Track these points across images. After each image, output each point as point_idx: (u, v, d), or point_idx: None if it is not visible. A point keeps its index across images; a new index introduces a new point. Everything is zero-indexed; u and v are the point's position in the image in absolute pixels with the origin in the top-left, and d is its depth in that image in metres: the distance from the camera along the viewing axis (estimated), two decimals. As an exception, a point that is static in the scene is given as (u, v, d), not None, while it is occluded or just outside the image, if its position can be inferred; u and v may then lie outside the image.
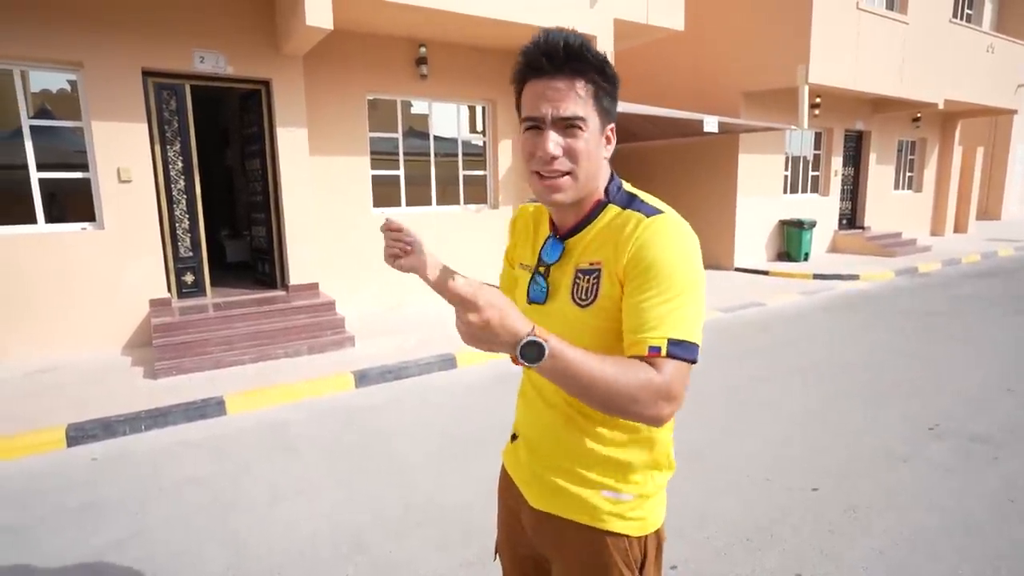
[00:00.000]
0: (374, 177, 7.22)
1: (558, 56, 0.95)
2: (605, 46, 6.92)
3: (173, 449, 3.72)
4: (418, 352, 5.34)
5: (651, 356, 0.90)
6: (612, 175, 1.09)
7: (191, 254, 6.04)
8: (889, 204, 13.76)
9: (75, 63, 5.21)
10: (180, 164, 5.83)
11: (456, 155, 7.89)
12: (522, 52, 1.00)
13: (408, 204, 7.59)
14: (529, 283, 1.13)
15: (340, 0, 5.30)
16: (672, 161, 11.35)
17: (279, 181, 6.22)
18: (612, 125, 1.05)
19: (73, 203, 5.51)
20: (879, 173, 13.29)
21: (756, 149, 10.50)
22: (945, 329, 6.36)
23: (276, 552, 2.61)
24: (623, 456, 1.08)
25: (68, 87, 5.43)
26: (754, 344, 5.90)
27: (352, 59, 6.73)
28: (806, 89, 9.44)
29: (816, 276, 9.54)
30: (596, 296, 1.01)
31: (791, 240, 11.04)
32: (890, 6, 11.22)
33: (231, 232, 9.42)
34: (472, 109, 8.00)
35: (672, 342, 0.90)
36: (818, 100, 10.65)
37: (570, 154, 0.98)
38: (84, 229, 5.47)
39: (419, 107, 7.59)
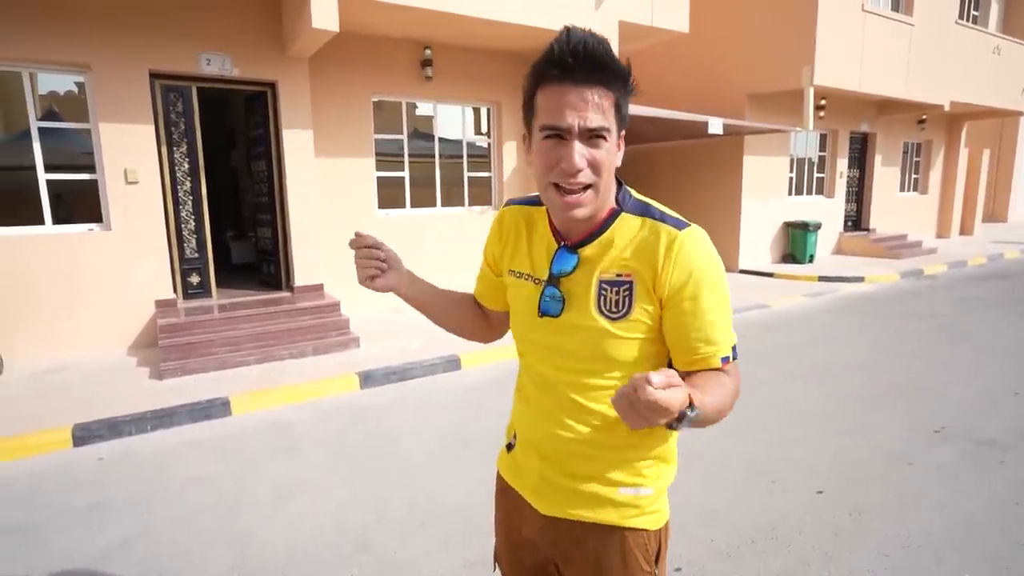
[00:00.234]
0: (379, 179, 7.24)
1: (586, 64, 0.91)
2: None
3: (178, 449, 3.74)
4: (422, 353, 5.35)
5: (724, 366, 1.00)
6: (620, 181, 1.08)
7: (197, 255, 6.07)
8: (894, 206, 13.70)
9: (83, 65, 5.25)
10: (186, 165, 5.86)
11: (461, 157, 7.91)
12: (547, 54, 0.93)
13: (413, 205, 7.61)
14: (541, 296, 1.07)
15: (346, 2, 5.32)
16: (677, 163, 11.34)
17: (284, 182, 6.25)
18: (624, 131, 1.02)
19: (80, 204, 5.54)
20: (884, 175, 13.25)
21: (761, 151, 10.48)
22: (951, 331, 6.33)
23: (281, 552, 2.62)
24: (641, 453, 1.09)
25: (76, 89, 5.47)
26: (759, 346, 5.89)
27: (357, 61, 6.76)
28: (811, 91, 9.42)
29: (821, 278, 9.51)
30: (630, 308, 1.00)
31: (796, 242, 11.01)
32: (896, 7, 11.19)
33: (236, 233, 9.46)
34: (477, 111, 8.02)
35: (734, 349, 1.02)
36: (823, 102, 10.62)
37: (593, 166, 0.95)
38: (91, 230, 5.50)
39: (424, 109, 7.61)
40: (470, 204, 8.02)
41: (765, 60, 9.79)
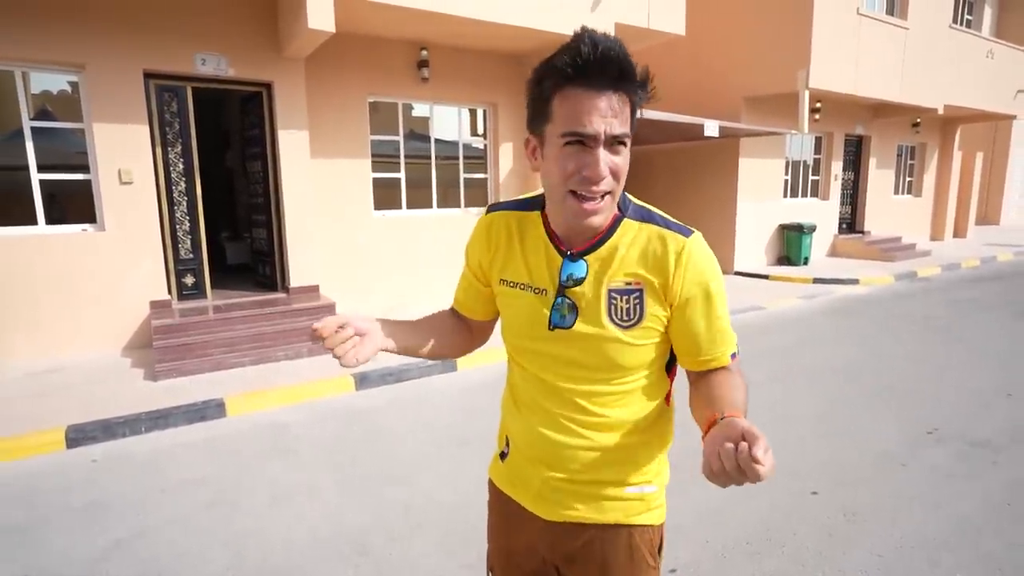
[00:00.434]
0: (375, 180, 7.23)
1: (612, 69, 0.89)
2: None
3: (173, 451, 3.72)
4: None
5: (732, 362, 1.07)
6: None
7: (192, 256, 6.05)
8: (889, 208, 13.78)
9: (77, 65, 5.22)
10: (181, 166, 5.84)
11: (457, 158, 7.91)
12: (569, 57, 0.89)
13: (409, 207, 7.60)
14: (552, 307, 1.04)
15: (342, 3, 5.32)
16: (673, 165, 11.37)
17: (280, 183, 6.24)
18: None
19: (74, 204, 5.52)
20: (879, 178, 13.32)
21: (757, 153, 10.52)
22: (944, 333, 6.36)
23: (276, 553, 2.62)
24: (645, 451, 1.11)
25: (69, 88, 5.44)
26: (754, 348, 5.90)
27: (354, 62, 6.75)
28: (806, 94, 9.47)
29: (816, 280, 9.54)
30: (641, 316, 1.01)
31: (791, 244, 11.05)
32: (890, 11, 11.26)
33: (232, 234, 9.43)
34: (473, 112, 8.02)
35: (736, 345, 1.08)
36: (818, 105, 10.67)
37: (614, 173, 0.94)
38: (85, 231, 5.48)
39: (420, 110, 7.61)
40: (466, 205, 8.02)
41: (761, 63, 9.83)
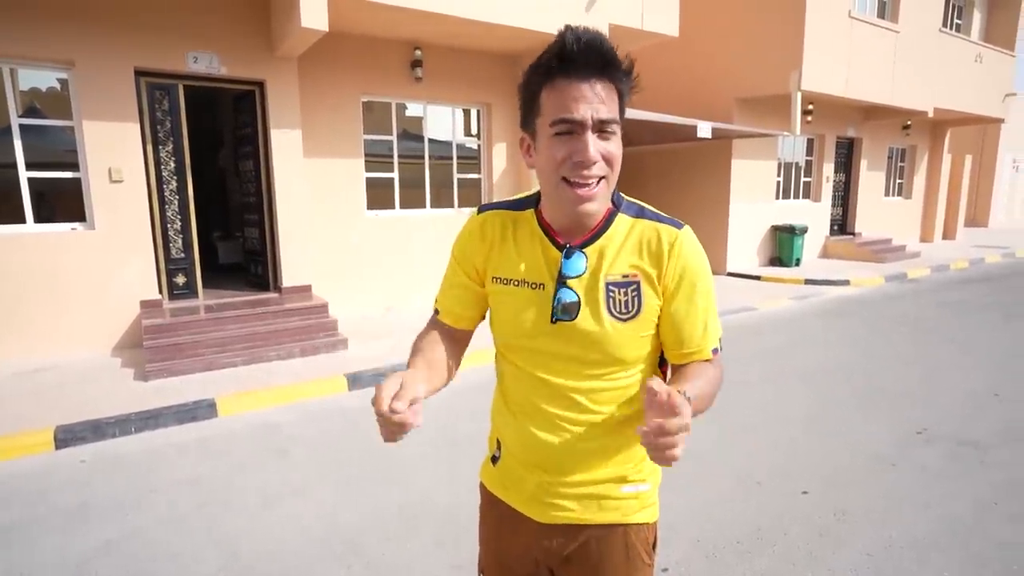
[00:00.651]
0: (368, 179, 7.21)
1: (594, 58, 0.92)
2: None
3: (164, 451, 3.69)
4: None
5: (713, 357, 1.07)
6: None
7: (183, 255, 6.01)
8: (880, 210, 13.89)
9: (66, 62, 5.18)
10: (172, 165, 5.80)
11: (450, 158, 7.90)
12: (553, 51, 0.93)
13: (402, 206, 7.59)
14: (554, 300, 1.03)
15: (335, 2, 5.30)
16: (666, 166, 11.41)
17: (272, 183, 6.21)
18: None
19: (63, 203, 5.46)
20: (870, 179, 13.42)
21: (749, 155, 10.57)
22: (934, 334, 6.42)
23: (269, 554, 2.60)
24: (638, 451, 1.11)
25: (58, 86, 5.39)
26: (746, 348, 5.93)
27: (347, 61, 6.73)
28: (799, 96, 9.53)
29: (807, 281, 9.61)
30: (639, 308, 1.02)
31: (783, 245, 11.12)
32: (881, 14, 11.36)
33: (223, 233, 9.37)
34: (467, 112, 8.01)
35: (720, 340, 1.08)
36: (810, 107, 10.74)
37: (606, 159, 0.95)
38: (74, 229, 5.43)
39: (414, 110, 7.60)
40: (459, 206, 8.01)
41: (754, 65, 9.88)
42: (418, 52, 7.02)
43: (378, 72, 6.96)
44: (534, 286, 1.05)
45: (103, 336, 5.53)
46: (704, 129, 8.39)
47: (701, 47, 10.32)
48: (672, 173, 11.33)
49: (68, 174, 5.41)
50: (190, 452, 3.68)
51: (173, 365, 4.89)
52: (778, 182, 11.54)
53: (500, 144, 8.01)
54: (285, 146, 6.17)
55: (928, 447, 3.60)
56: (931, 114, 12.56)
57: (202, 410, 4.20)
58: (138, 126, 5.48)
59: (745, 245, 10.93)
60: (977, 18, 15.20)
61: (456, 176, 7.96)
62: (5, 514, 2.96)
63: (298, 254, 6.42)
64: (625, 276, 1.02)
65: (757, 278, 10.15)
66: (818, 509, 2.90)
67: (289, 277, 6.38)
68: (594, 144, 0.93)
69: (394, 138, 7.41)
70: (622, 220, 1.05)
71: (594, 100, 0.92)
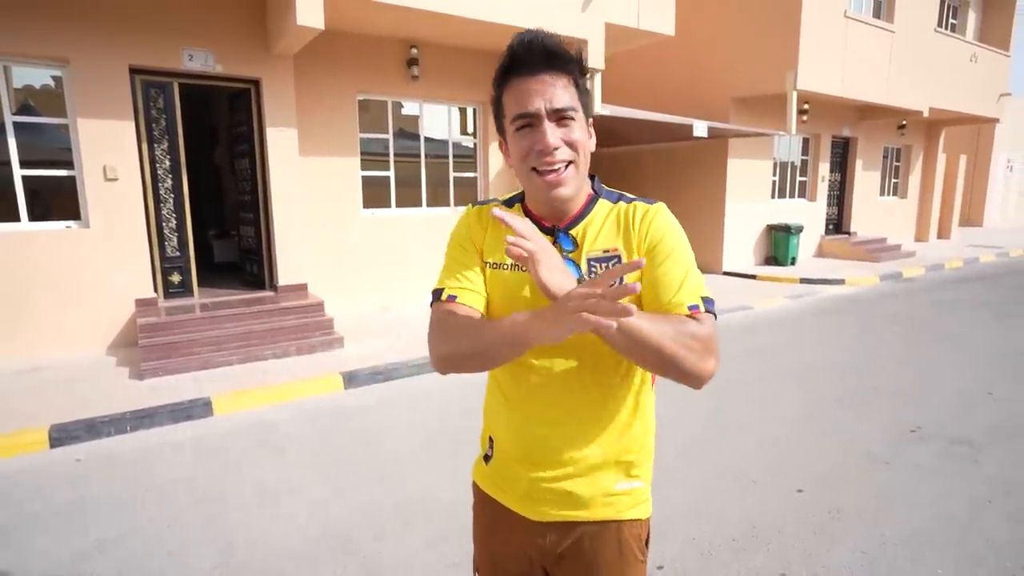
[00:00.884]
0: (364, 178, 7.20)
1: (540, 54, 0.98)
2: (596, 50, 6.96)
3: (159, 450, 3.68)
4: (407, 353, 5.33)
5: (693, 314, 0.99)
6: (592, 176, 1.14)
7: (178, 254, 5.99)
8: (875, 210, 13.94)
9: (61, 59, 5.15)
10: (168, 163, 5.78)
11: (447, 157, 7.89)
12: (504, 57, 1.01)
13: (398, 205, 7.58)
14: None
15: (331, 0, 5.29)
16: (662, 165, 11.43)
17: (268, 181, 6.19)
18: (591, 119, 1.08)
19: (57, 201, 5.44)
20: (865, 179, 13.47)
21: (745, 154, 10.59)
22: (928, 333, 6.45)
23: (264, 552, 2.60)
24: (631, 445, 1.12)
25: (52, 83, 5.36)
26: (741, 347, 5.95)
27: (343, 59, 6.71)
28: (794, 95, 9.56)
29: (803, 280, 9.64)
30: (622, 281, 1.01)
31: (778, 244, 11.15)
32: (877, 14, 11.39)
33: (219, 232, 9.34)
34: (463, 111, 8.01)
35: (705, 299, 1.02)
36: (806, 106, 10.77)
37: (569, 144, 1.00)
38: (69, 227, 5.40)
39: (410, 108, 7.59)
40: (456, 204, 8.01)
41: (750, 64, 9.90)
42: (414, 50, 7.01)
43: (374, 70, 6.95)
44: (522, 268, 1.06)
45: (98, 335, 5.51)
46: (700, 128, 8.41)
47: (697, 46, 10.33)
48: (668, 172, 11.34)
49: (63, 172, 5.38)
50: (185, 451, 3.67)
51: (168, 364, 4.88)
52: (774, 181, 11.57)
53: (496, 143, 7.99)
54: (281, 144, 6.16)
55: (922, 445, 3.62)
56: (926, 114, 12.61)
57: (197, 409, 4.20)
58: (133, 124, 5.46)
59: (741, 244, 10.96)
60: (972, 18, 15.26)
61: (452, 175, 7.95)
62: (2, 512, 2.95)
63: (294, 253, 6.40)
64: (606, 251, 1.07)
65: (753, 277, 10.17)
66: (813, 507, 2.92)
67: (285, 276, 6.37)
68: (552, 132, 0.98)
69: (390, 137, 7.40)
70: (603, 204, 1.10)
71: (546, 91, 0.98)
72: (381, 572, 2.46)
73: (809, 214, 12.14)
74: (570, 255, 1.07)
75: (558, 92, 0.98)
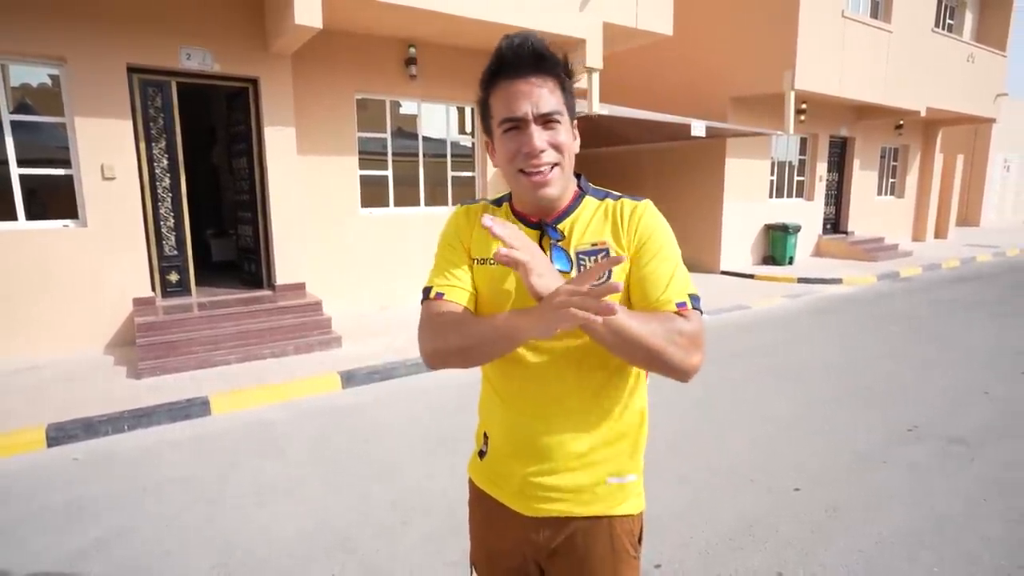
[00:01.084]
0: (362, 177, 7.20)
1: (527, 58, 1.00)
2: (594, 49, 6.97)
3: (157, 449, 3.68)
4: (405, 352, 5.33)
5: (680, 311, 1.02)
6: (578, 174, 1.17)
7: (176, 253, 5.99)
8: (872, 209, 13.97)
9: (58, 58, 5.14)
10: (165, 162, 5.77)
11: (445, 156, 7.89)
12: (491, 61, 1.03)
13: (396, 204, 7.58)
14: (554, 259, 1.07)
15: (329, -1, 5.29)
16: (660, 164, 11.44)
17: (266, 180, 6.19)
18: (575, 121, 1.11)
19: (55, 200, 5.43)
20: (862, 179, 13.50)
21: (743, 154, 10.61)
22: (925, 332, 6.47)
23: (263, 551, 2.60)
24: (624, 440, 1.14)
25: (49, 82, 5.35)
26: (739, 346, 5.96)
27: (341, 59, 6.71)
28: (792, 95, 9.57)
29: (800, 280, 9.66)
30: (609, 274, 1.05)
31: (776, 244, 11.17)
32: (874, 14, 11.41)
33: (217, 231, 9.33)
34: (461, 110, 8.01)
35: (692, 296, 1.05)
36: (804, 106, 10.79)
37: (555, 146, 1.03)
38: (66, 226, 5.39)
39: (408, 107, 7.58)
40: (454, 204, 8.00)
41: (747, 64, 9.91)
42: (412, 50, 7.00)
43: (372, 70, 6.94)
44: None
45: (95, 334, 5.50)
46: (698, 128, 8.42)
47: (695, 46, 10.33)
48: (666, 171, 11.35)
49: (60, 171, 5.37)
50: (183, 450, 3.67)
51: (166, 363, 4.88)
52: (771, 181, 11.58)
53: (495, 142, 7.99)
54: (279, 143, 6.15)
55: (918, 444, 3.63)
56: (923, 114, 12.64)
57: (195, 408, 4.19)
58: (131, 123, 5.45)
59: (739, 244, 10.97)
60: (969, 18, 15.30)
61: (450, 174, 7.95)
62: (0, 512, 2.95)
63: (292, 252, 6.40)
64: (594, 245, 1.08)
65: (751, 276, 10.19)
66: (809, 506, 2.93)
67: (283, 275, 6.36)
68: (539, 135, 1.01)
69: (388, 136, 7.40)
70: (589, 201, 1.13)
71: (533, 95, 1.00)
72: (379, 570, 2.47)
73: (807, 214, 12.16)
74: (559, 244, 1.09)
75: (545, 96, 1.00)
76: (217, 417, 4.21)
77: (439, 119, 7.80)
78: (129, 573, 2.47)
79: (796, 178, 12.18)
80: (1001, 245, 14.47)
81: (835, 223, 13.34)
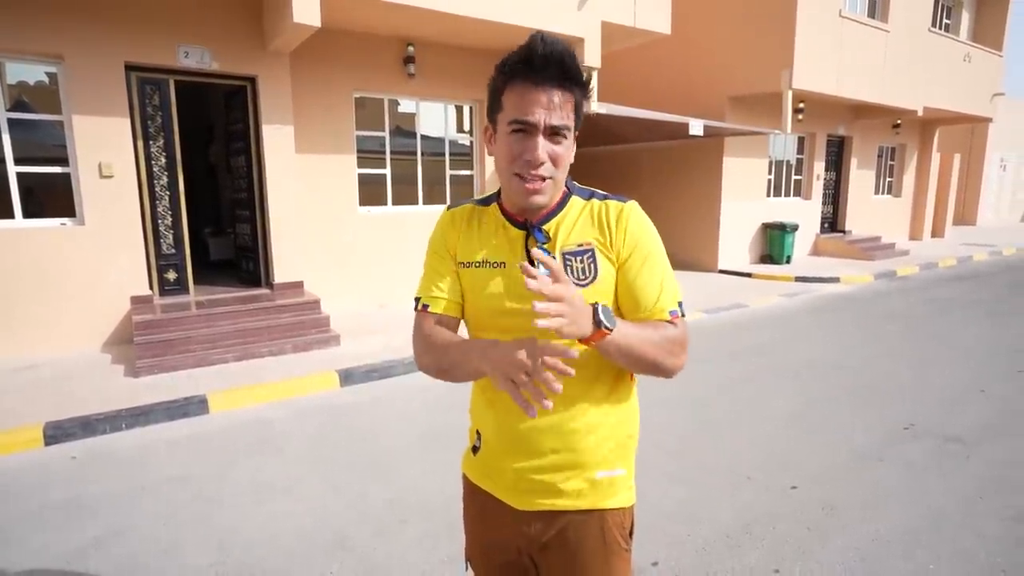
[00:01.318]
0: (360, 176, 7.19)
1: (556, 69, 1.00)
2: (593, 48, 6.97)
3: (155, 447, 3.68)
4: (403, 351, 5.33)
5: (672, 319, 1.09)
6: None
7: (174, 251, 5.98)
8: (869, 208, 14.00)
9: (55, 55, 5.12)
10: (163, 160, 5.76)
11: (443, 154, 7.89)
12: (521, 55, 1.01)
13: (394, 203, 7.57)
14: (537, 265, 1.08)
15: (328, -3, 5.28)
16: (658, 163, 11.45)
17: (264, 178, 6.18)
18: (578, 131, 1.12)
19: (52, 198, 5.42)
20: (860, 178, 13.53)
21: (741, 153, 10.62)
22: (922, 331, 6.49)
23: (260, 549, 2.61)
24: (615, 434, 1.16)
25: (47, 80, 5.34)
26: (736, 345, 5.98)
27: (339, 57, 6.70)
28: (790, 94, 9.59)
29: (798, 279, 9.68)
30: (596, 274, 1.10)
31: (774, 243, 11.19)
32: (872, 14, 11.43)
33: (215, 229, 9.32)
34: (459, 109, 8.00)
35: (680, 303, 1.12)
36: (801, 105, 10.80)
37: (554, 160, 1.04)
38: (64, 225, 5.38)
39: (406, 106, 7.58)
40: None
41: (745, 63, 9.92)
42: (411, 48, 7.00)
43: (371, 68, 6.93)
44: (494, 265, 1.14)
45: (93, 332, 5.49)
46: (696, 127, 8.43)
47: (693, 45, 10.34)
48: (664, 170, 11.36)
49: (57, 169, 5.36)
50: (181, 448, 3.67)
51: (164, 361, 4.87)
52: (769, 180, 11.60)
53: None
54: (277, 142, 6.15)
55: (915, 442, 3.64)
56: (920, 113, 12.67)
57: (193, 406, 4.19)
58: (128, 121, 5.44)
59: (736, 242, 10.99)
60: (966, 18, 15.33)
61: (449, 173, 7.95)
62: (-6, 511, 2.95)
63: (290, 250, 6.39)
64: (580, 245, 1.11)
65: (748, 275, 10.21)
66: (806, 504, 2.94)
67: (281, 273, 6.36)
68: (543, 147, 1.03)
69: (387, 134, 7.39)
70: (575, 201, 1.15)
71: (549, 106, 1.01)
72: (377, 568, 2.47)
73: (804, 212, 12.18)
74: (544, 246, 1.11)
75: (560, 110, 1.02)
76: (215, 415, 4.21)
77: (437, 118, 7.79)
78: (127, 571, 2.47)
79: (794, 177, 12.20)
80: (998, 244, 14.51)
81: (832, 222, 13.37)
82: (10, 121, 5.15)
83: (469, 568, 1.32)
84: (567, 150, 1.06)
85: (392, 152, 7.47)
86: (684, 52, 10.42)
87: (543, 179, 1.05)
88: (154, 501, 3.03)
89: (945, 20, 14.73)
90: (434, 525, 2.76)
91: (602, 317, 0.96)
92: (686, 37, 9.90)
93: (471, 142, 8.11)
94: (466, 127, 8.11)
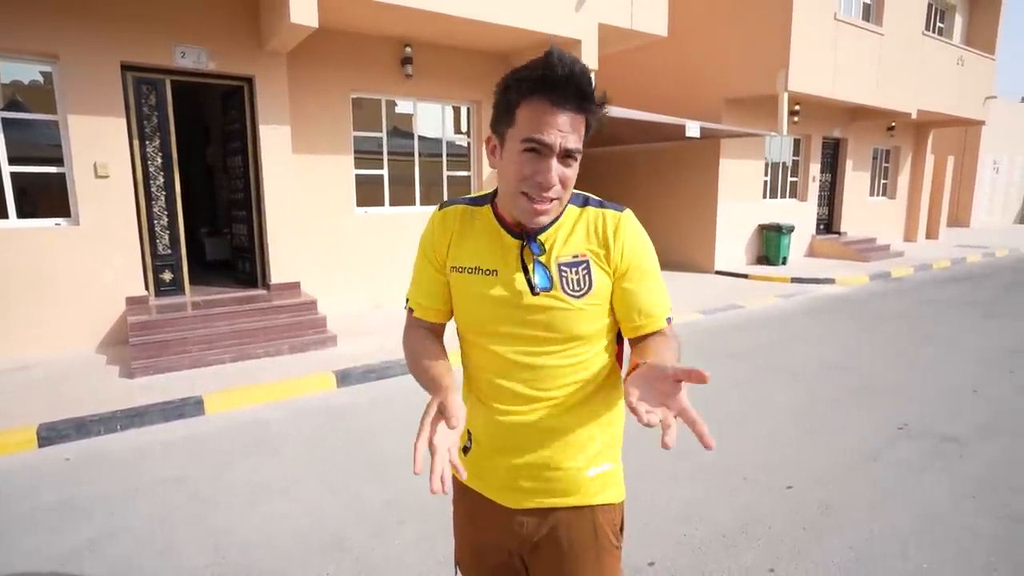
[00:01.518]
0: (358, 176, 7.19)
1: (577, 91, 0.98)
2: (590, 50, 6.98)
3: (150, 449, 3.67)
4: (400, 352, 5.30)
5: (668, 326, 1.13)
6: None
7: (169, 251, 5.96)
8: (864, 210, 14.07)
9: (50, 55, 5.10)
10: (159, 160, 5.74)
11: (440, 155, 7.89)
12: (542, 72, 0.98)
13: (391, 204, 7.57)
14: (535, 273, 1.10)
15: (325, -2, 5.28)
16: (655, 165, 11.47)
17: (261, 179, 6.17)
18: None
19: (47, 198, 5.39)
20: (855, 180, 13.59)
21: (737, 154, 10.66)
22: (916, 332, 6.53)
23: (257, 551, 2.60)
24: (605, 431, 1.17)
25: (41, 79, 5.31)
26: (732, 346, 5.99)
27: (337, 57, 6.69)
28: (785, 96, 9.62)
29: (794, 280, 9.71)
30: (590, 286, 1.09)
31: (770, 244, 11.23)
32: (866, 17, 11.49)
33: (211, 230, 9.29)
34: (457, 110, 8.01)
35: (671, 311, 1.15)
36: (797, 107, 10.85)
37: (563, 182, 1.03)
38: (58, 225, 5.35)
39: (404, 107, 7.58)
40: (449, 203, 8.00)
41: (742, 65, 9.96)
42: (408, 49, 7.00)
43: (368, 69, 6.93)
44: (487, 272, 1.13)
45: (88, 333, 5.46)
46: (693, 128, 8.45)
47: (690, 47, 10.38)
48: (661, 172, 11.39)
49: (52, 169, 5.33)
50: (177, 450, 3.65)
51: (159, 362, 4.85)
52: (765, 181, 11.64)
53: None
54: (274, 142, 6.14)
55: (910, 442, 3.66)
56: (915, 116, 12.74)
57: (189, 407, 4.18)
58: (124, 121, 5.42)
59: (733, 244, 11.02)
60: (959, 22, 15.43)
61: (446, 173, 7.95)
62: (-12, 512, 2.93)
63: (287, 251, 6.38)
64: (575, 256, 1.10)
65: (745, 276, 10.24)
66: (802, 504, 2.95)
67: (277, 274, 6.34)
68: (555, 169, 1.01)
69: (384, 135, 7.39)
70: (570, 210, 1.13)
71: (566, 128, 0.99)
72: (374, 569, 2.47)
73: (800, 214, 12.23)
74: (539, 259, 1.10)
75: (574, 133, 1.00)
76: (211, 417, 4.19)
77: (435, 118, 7.80)
78: (122, 573, 2.45)
79: (790, 179, 12.25)
80: (991, 246, 14.60)
81: (828, 223, 13.43)
82: (5, 121, 5.12)
83: (459, 572, 1.32)
84: (575, 172, 1.05)
85: (389, 153, 7.47)
86: (680, 54, 10.45)
87: (551, 200, 1.04)
88: (149, 502, 3.02)
89: (939, 24, 14.83)
90: (431, 526, 2.76)
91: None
92: (682, 39, 9.93)
93: (468, 143, 8.11)
94: (463, 128, 8.11)
